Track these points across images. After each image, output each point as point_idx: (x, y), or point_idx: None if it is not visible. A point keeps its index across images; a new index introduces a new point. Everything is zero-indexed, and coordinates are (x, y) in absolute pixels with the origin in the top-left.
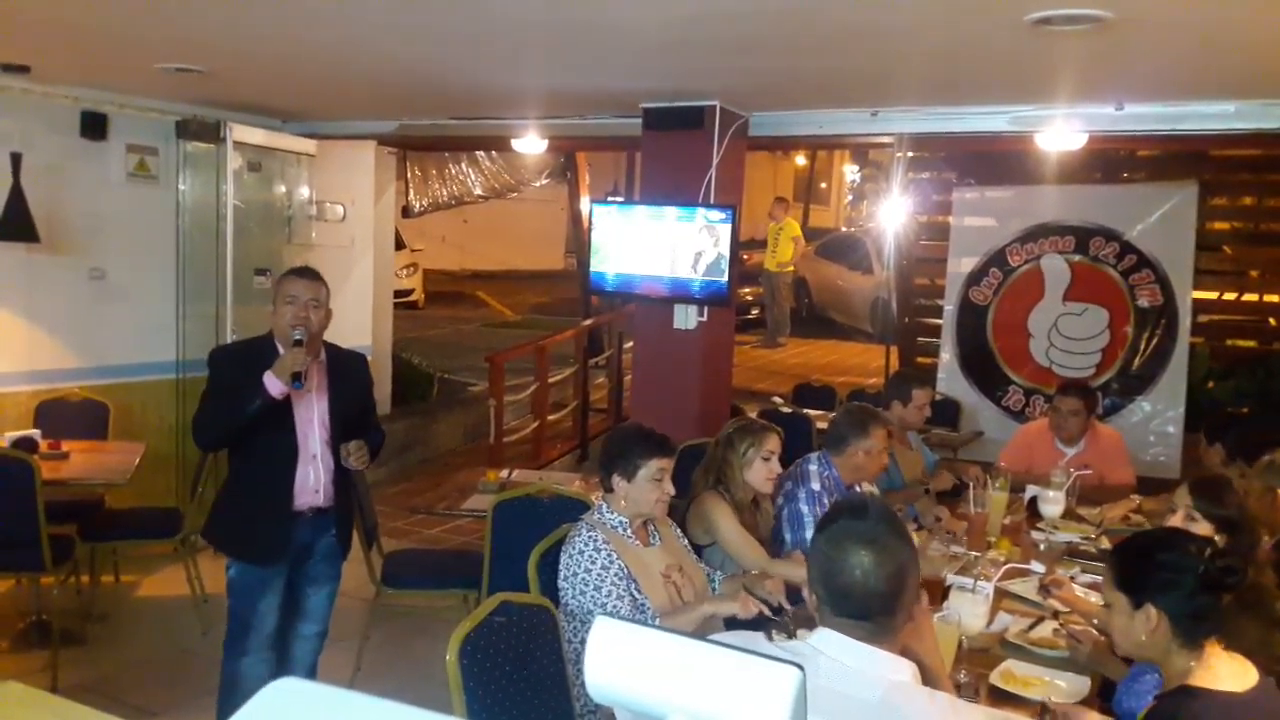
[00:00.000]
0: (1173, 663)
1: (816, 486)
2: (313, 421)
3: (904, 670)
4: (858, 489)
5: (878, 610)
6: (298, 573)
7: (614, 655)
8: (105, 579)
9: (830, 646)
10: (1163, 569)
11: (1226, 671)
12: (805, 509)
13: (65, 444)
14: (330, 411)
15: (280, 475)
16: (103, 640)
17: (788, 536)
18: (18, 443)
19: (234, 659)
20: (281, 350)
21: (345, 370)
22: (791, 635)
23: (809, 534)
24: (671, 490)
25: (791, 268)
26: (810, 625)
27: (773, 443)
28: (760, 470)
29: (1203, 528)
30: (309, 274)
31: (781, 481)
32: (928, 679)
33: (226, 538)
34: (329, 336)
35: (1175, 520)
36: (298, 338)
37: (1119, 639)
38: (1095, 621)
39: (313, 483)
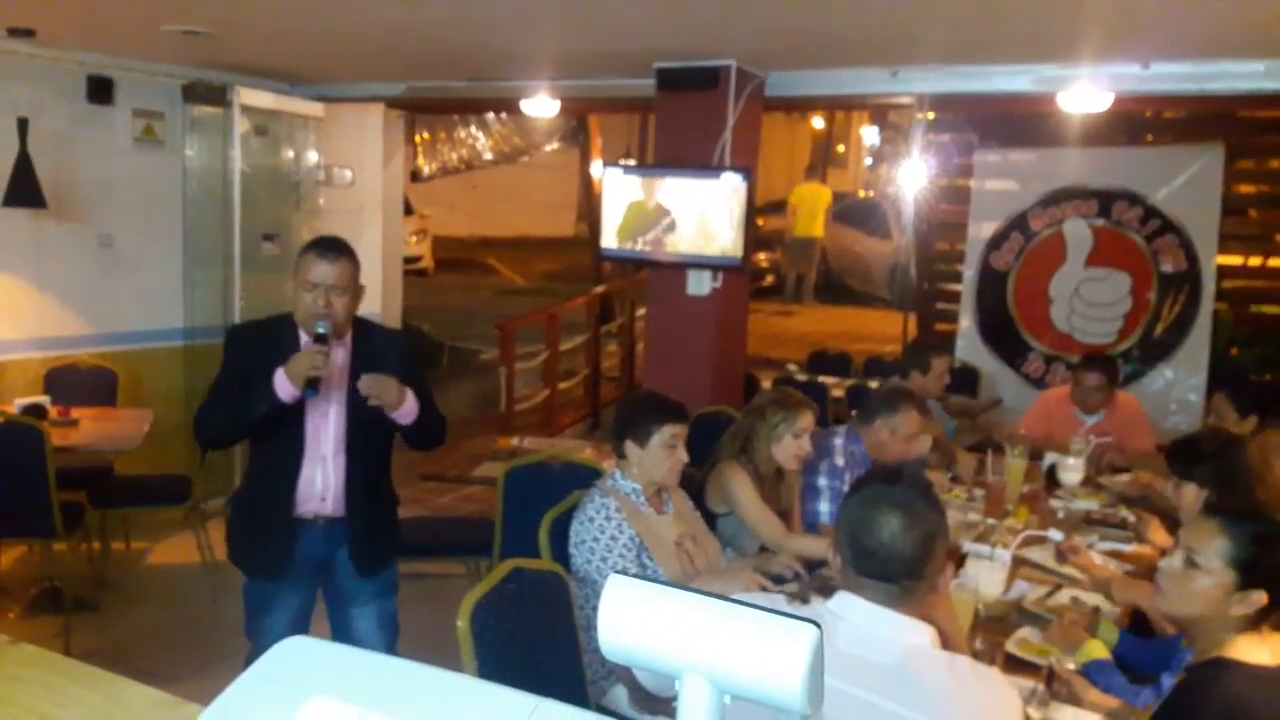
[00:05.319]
0: (1213, 634)
1: (840, 461)
2: (328, 416)
3: (923, 634)
4: None
5: (901, 573)
6: (330, 590)
7: (629, 614)
8: (116, 545)
9: (849, 610)
10: None
11: (1264, 646)
12: (823, 482)
13: (74, 411)
14: (349, 405)
15: (283, 478)
16: (114, 606)
17: (806, 508)
18: (28, 409)
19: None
20: (304, 338)
21: (374, 354)
22: (805, 602)
23: (822, 507)
24: (684, 458)
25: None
26: (823, 592)
27: (806, 420)
28: (789, 446)
29: (1189, 490)
30: (333, 252)
31: None
32: (946, 646)
33: (234, 547)
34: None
35: (1168, 488)
36: (320, 332)
37: (1180, 598)
38: (1111, 589)
39: (319, 488)
